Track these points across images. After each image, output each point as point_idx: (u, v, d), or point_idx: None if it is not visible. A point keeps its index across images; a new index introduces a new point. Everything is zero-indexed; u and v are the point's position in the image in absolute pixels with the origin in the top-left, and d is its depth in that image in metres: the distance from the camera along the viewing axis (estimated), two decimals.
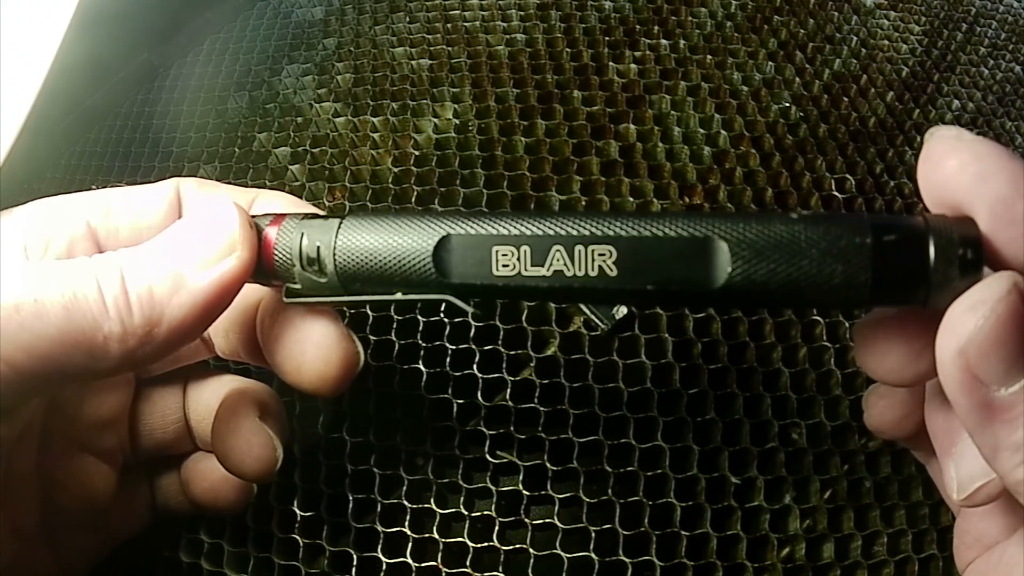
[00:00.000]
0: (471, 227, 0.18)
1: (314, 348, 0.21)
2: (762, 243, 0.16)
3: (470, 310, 0.19)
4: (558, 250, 0.17)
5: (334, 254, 0.19)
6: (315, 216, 0.20)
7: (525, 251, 0.17)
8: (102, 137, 0.42)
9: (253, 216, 0.20)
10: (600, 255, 0.17)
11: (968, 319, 0.14)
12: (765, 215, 0.17)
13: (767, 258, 0.16)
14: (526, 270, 0.17)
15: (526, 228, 0.17)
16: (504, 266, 0.17)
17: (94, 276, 0.18)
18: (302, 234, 0.19)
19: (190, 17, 0.45)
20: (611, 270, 0.17)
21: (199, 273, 0.18)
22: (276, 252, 0.19)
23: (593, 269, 0.17)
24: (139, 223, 0.22)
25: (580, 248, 0.17)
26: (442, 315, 0.31)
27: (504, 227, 0.18)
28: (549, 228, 0.17)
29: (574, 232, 0.17)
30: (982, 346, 0.14)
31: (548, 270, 0.17)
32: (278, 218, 0.20)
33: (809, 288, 0.16)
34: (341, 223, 0.19)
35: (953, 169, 0.15)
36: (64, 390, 0.23)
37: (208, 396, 0.25)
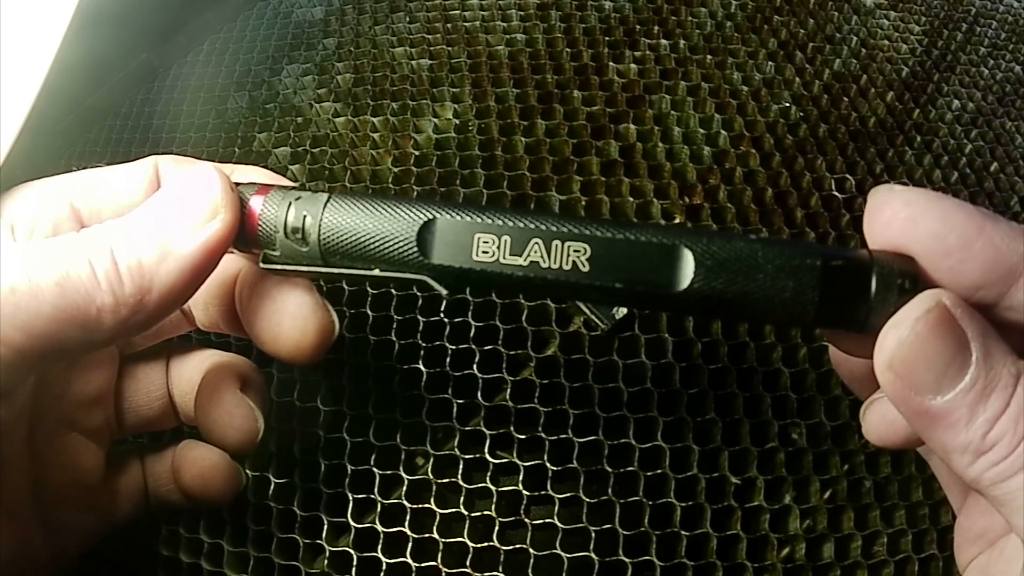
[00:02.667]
0: (456, 214, 0.19)
1: (290, 318, 0.22)
2: (724, 255, 0.17)
3: (443, 291, 0.19)
4: (536, 243, 0.18)
5: (320, 225, 0.19)
6: (301, 188, 0.21)
7: (505, 240, 0.18)
8: (102, 137, 0.42)
9: (237, 184, 0.20)
10: (575, 251, 0.18)
11: (892, 336, 0.16)
12: (729, 233, 0.18)
13: (727, 269, 0.17)
14: (504, 258, 0.18)
15: (508, 220, 0.18)
16: (484, 252, 0.18)
17: (84, 253, 0.18)
18: (289, 204, 0.20)
19: (190, 17, 0.45)
20: (584, 266, 0.18)
21: (185, 239, 0.19)
22: (261, 220, 0.20)
23: (567, 263, 0.18)
24: (121, 202, 0.22)
25: (557, 243, 0.18)
26: (442, 315, 0.31)
27: (488, 218, 0.19)
28: (530, 222, 0.18)
29: (553, 228, 0.18)
30: (906, 360, 0.16)
31: (525, 260, 0.18)
32: (263, 188, 0.20)
33: (762, 300, 0.17)
34: (330, 198, 0.20)
35: (888, 218, 0.17)
36: (59, 365, 0.23)
37: (190, 371, 0.26)
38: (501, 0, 0.43)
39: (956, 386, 0.15)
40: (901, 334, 0.16)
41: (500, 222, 0.18)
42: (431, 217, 0.19)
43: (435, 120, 0.38)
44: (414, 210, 0.19)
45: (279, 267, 0.21)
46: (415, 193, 0.35)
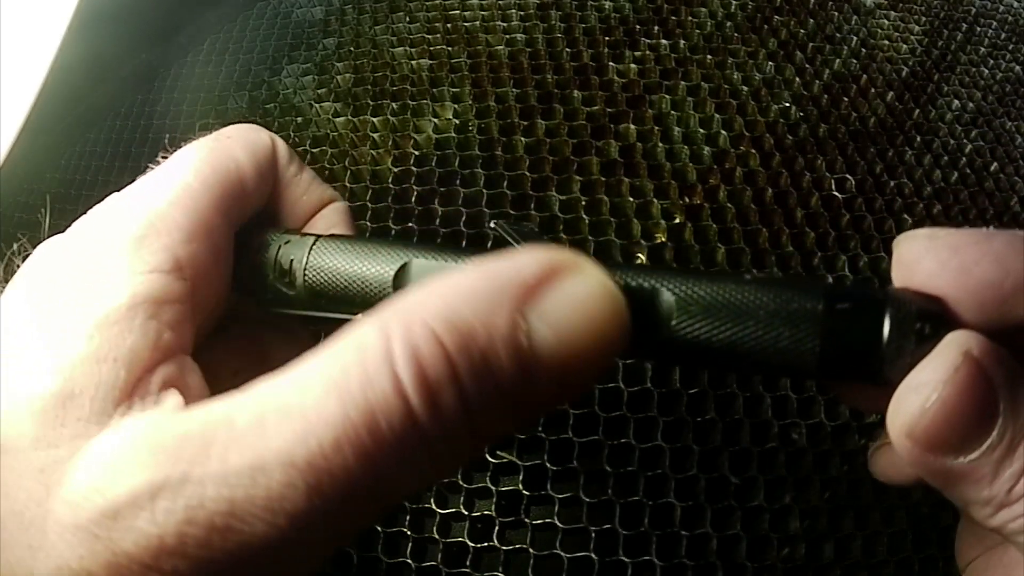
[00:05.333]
0: (431, 256, 0.18)
1: None
2: (709, 299, 0.15)
3: None
4: None
5: (304, 269, 0.19)
6: (294, 232, 0.21)
7: None
8: (102, 137, 0.42)
9: (242, 228, 0.20)
10: None
11: (912, 402, 0.14)
12: (717, 274, 0.16)
13: (712, 314, 0.15)
14: None
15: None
16: None
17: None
18: (279, 247, 0.20)
19: (190, 17, 0.45)
20: None
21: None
22: (252, 263, 0.20)
23: None
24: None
25: None
26: None
27: (461, 259, 0.18)
28: None
29: None
30: (928, 429, 0.14)
31: None
32: (263, 234, 0.21)
33: (754, 350, 0.15)
34: (316, 241, 0.20)
35: (932, 271, 0.15)
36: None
37: None
38: (501, 0, 0.43)
39: (982, 444, 0.14)
40: (924, 399, 0.14)
41: (472, 263, 0.18)
42: (406, 260, 0.19)
43: (435, 120, 0.38)
44: (391, 253, 0.19)
45: (272, 311, 0.21)
46: (415, 194, 0.35)
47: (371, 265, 0.19)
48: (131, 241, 0.16)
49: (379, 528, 0.28)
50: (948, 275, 0.15)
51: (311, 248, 0.20)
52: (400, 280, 0.19)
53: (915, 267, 0.15)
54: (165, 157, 0.20)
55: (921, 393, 0.14)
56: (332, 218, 0.23)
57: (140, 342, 0.15)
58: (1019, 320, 0.14)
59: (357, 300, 0.19)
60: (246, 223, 0.21)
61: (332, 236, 0.20)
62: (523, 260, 0.13)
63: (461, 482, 0.28)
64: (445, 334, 0.13)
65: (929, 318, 0.14)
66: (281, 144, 0.22)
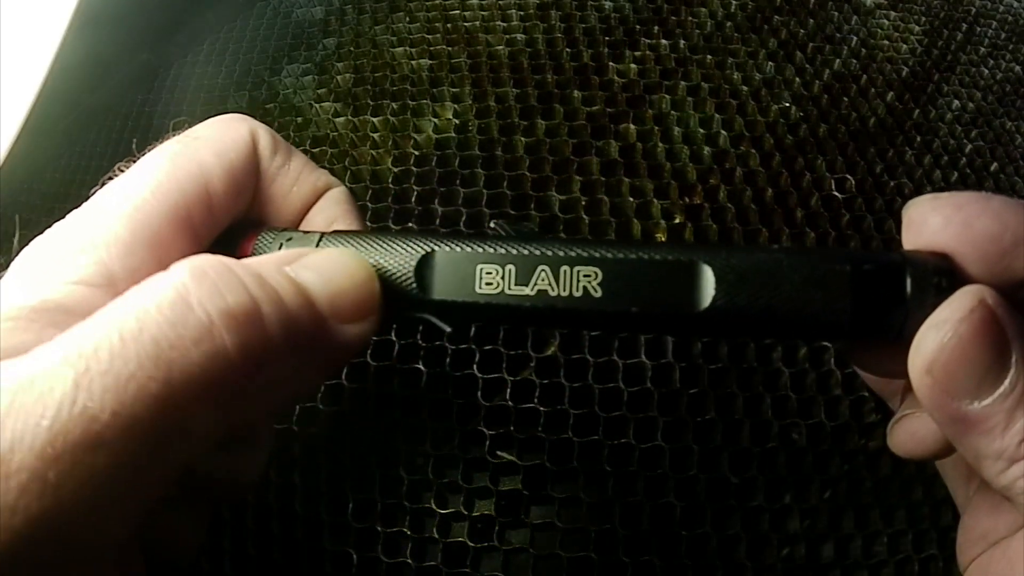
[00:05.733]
0: (456, 245, 0.18)
1: None
2: (745, 268, 0.16)
3: (447, 329, 0.18)
4: (543, 270, 0.17)
5: None
6: (293, 230, 0.20)
7: (510, 270, 0.17)
8: (102, 137, 0.42)
9: (229, 228, 0.19)
10: (585, 276, 0.17)
11: (932, 338, 0.15)
12: (749, 245, 0.17)
13: (750, 283, 0.16)
14: (510, 288, 0.17)
15: (512, 248, 0.17)
16: (488, 284, 0.17)
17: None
18: (280, 245, 0.19)
19: (190, 17, 0.45)
20: (595, 291, 0.17)
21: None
22: None
23: (578, 290, 0.17)
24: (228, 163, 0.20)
25: (565, 268, 0.17)
26: None
27: (490, 247, 0.18)
28: (535, 248, 0.17)
29: (560, 253, 0.17)
30: (947, 365, 0.15)
31: (532, 289, 0.17)
32: (255, 233, 0.20)
33: (791, 314, 0.16)
34: (322, 237, 0.19)
35: (938, 226, 0.16)
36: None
37: None
38: (501, 0, 0.43)
39: (995, 391, 0.15)
40: (942, 336, 0.15)
41: (503, 250, 0.17)
42: (429, 250, 0.18)
43: (435, 120, 0.38)
44: (410, 244, 0.18)
45: None
46: (415, 194, 0.35)
47: (388, 258, 0.18)
48: (69, 253, 0.17)
49: (379, 528, 0.28)
50: (952, 229, 0.16)
51: (318, 244, 0.18)
52: (423, 271, 0.18)
53: (923, 226, 0.16)
54: (122, 169, 0.20)
55: (940, 330, 0.15)
56: (331, 210, 0.22)
57: (32, 346, 0.15)
58: (1018, 276, 0.16)
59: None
60: (235, 224, 0.20)
61: (336, 233, 0.19)
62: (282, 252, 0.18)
63: (461, 482, 0.28)
64: (226, 264, 0.15)
65: (944, 273, 0.16)
66: (264, 136, 0.21)
